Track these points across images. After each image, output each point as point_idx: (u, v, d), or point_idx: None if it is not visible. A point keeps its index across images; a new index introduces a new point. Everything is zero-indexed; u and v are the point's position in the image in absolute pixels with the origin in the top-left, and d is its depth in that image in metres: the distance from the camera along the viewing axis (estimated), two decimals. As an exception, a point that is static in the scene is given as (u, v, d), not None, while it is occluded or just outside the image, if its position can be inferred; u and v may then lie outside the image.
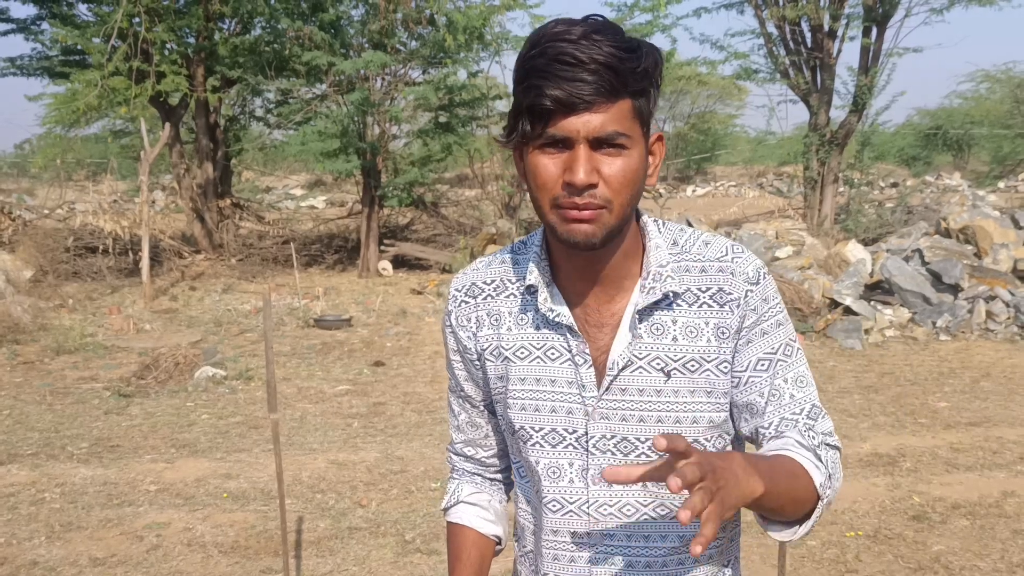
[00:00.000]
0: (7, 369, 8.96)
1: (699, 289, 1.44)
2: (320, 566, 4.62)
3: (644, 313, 1.43)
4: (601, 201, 1.31)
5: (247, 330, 10.90)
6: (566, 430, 1.47)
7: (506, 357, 1.51)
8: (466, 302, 1.57)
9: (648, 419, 1.44)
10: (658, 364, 1.42)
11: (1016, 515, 5.17)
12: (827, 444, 1.43)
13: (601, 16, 1.33)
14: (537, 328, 1.49)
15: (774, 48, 17.54)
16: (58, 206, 19.06)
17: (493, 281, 1.55)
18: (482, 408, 1.65)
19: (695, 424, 1.44)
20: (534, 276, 1.47)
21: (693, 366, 1.42)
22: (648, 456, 1.44)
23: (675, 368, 1.42)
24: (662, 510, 1.48)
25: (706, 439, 1.46)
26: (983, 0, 16.30)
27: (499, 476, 1.73)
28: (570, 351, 1.46)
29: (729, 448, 1.51)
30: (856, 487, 5.66)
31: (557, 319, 1.45)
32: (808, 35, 17.16)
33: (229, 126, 18.04)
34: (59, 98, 16.57)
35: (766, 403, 1.44)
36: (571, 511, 1.50)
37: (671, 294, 1.42)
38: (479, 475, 1.73)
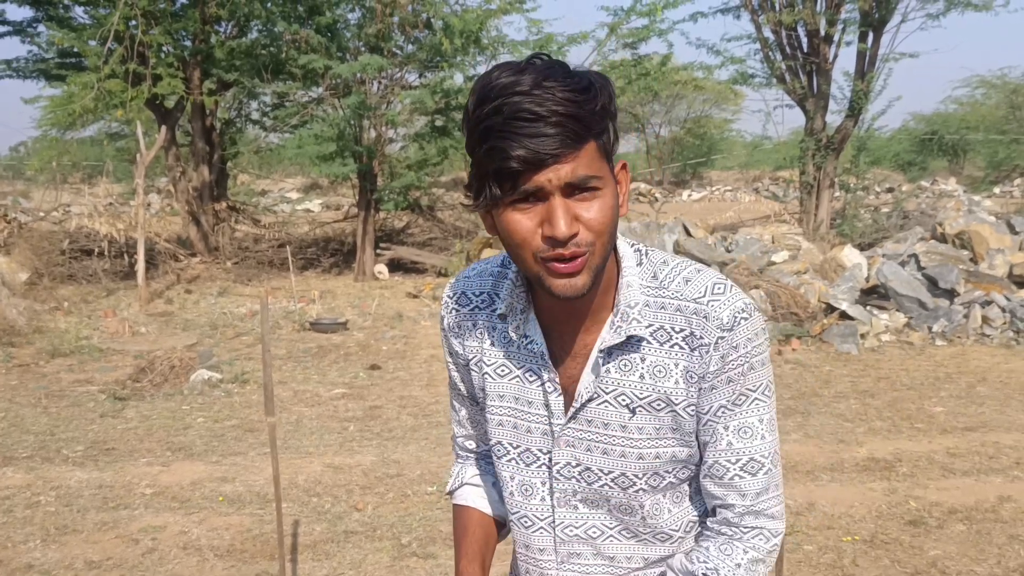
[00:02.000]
0: (2, 372, 8.94)
1: (672, 328, 1.42)
2: (316, 570, 4.61)
3: (611, 350, 1.44)
4: (585, 247, 1.31)
5: (243, 333, 10.89)
6: (539, 450, 1.51)
7: (486, 372, 1.54)
8: (456, 310, 1.59)
9: (612, 451, 1.46)
10: (623, 400, 1.43)
11: (1012, 520, 5.17)
12: (743, 519, 1.47)
13: (543, 55, 1.30)
14: (517, 349, 1.51)
15: (770, 53, 17.56)
16: (54, 209, 19.03)
17: (482, 294, 1.57)
18: (478, 408, 1.66)
19: (657, 459, 1.46)
20: (506, 304, 1.48)
21: (659, 405, 1.43)
22: (610, 487, 1.48)
23: (640, 405, 1.43)
24: (627, 534, 1.52)
25: (667, 471, 1.48)
26: (979, 6, 16.33)
27: None
28: (542, 375, 1.48)
29: (694, 475, 1.53)
30: (852, 492, 5.66)
31: (530, 346, 1.48)
32: (804, 40, 17.17)
33: (225, 129, 18.03)
34: (55, 100, 16.55)
35: (709, 447, 1.46)
36: (541, 528, 1.55)
37: (638, 337, 1.42)
38: (483, 459, 1.75)
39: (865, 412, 7.50)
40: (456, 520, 1.71)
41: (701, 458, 1.49)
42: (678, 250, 11.97)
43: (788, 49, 17.33)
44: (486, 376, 1.54)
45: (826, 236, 16.23)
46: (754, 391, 1.44)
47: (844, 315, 10.27)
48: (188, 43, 16.15)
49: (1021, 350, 9.67)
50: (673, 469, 1.48)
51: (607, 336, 1.42)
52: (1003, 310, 10.36)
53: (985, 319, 10.29)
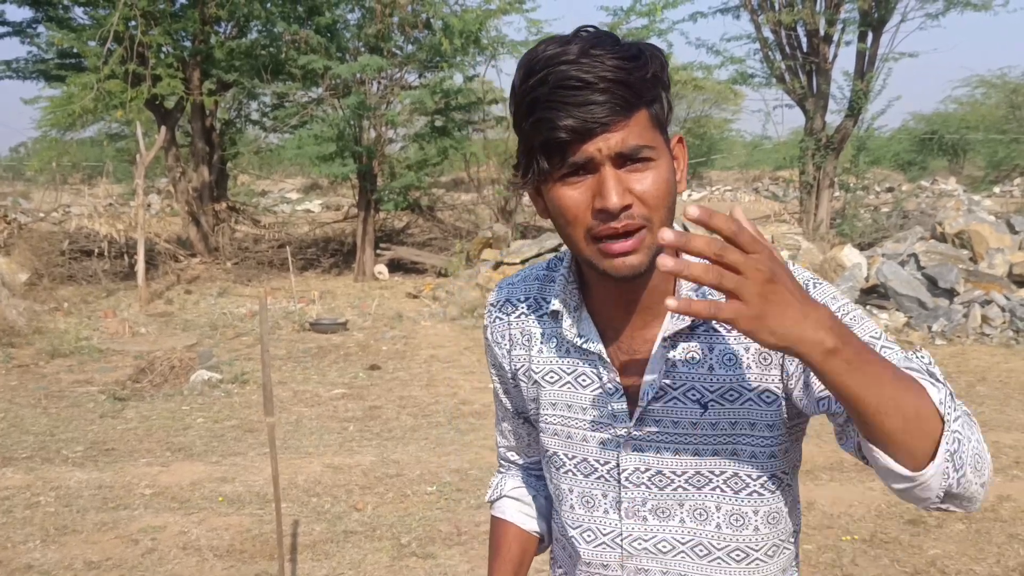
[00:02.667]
0: (2, 372, 8.94)
1: None
2: (316, 570, 4.61)
3: (676, 340, 1.32)
4: (641, 220, 1.20)
5: (242, 334, 10.89)
6: (598, 461, 1.40)
7: (536, 380, 1.45)
8: (500, 318, 1.51)
9: (684, 451, 1.34)
10: (694, 395, 1.31)
11: (1012, 519, 5.17)
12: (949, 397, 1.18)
13: (591, 27, 1.23)
14: (567, 353, 1.41)
15: (770, 53, 17.57)
16: (54, 209, 19.05)
17: (528, 298, 1.48)
18: (522, 420, 1.60)
19: (735, 456, 1.32)
20: (558, 301, 1.38)
21: (732, 396, 1.30)
22: (684, 489, 1.35)
23: (712, 399, 1.31)
24: (701, 550, 1.37)
25: (748, 474, 1.33)
26: (978, 5, 16.33)
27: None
28: (600, 380, 1.37)
29: (784, 486, 1.39)
30: (852, 491, 5.66)
31: (586, 346, 1.36)
32: (804, 40, 17.18)
33: (225, 129, 18.04)
34: (55, 101, 16.57)
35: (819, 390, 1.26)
36: (604, 543, 1.43)
37: (702, 322, 1.30)
38: (527, 472, 1.69)
39: (865, 412, 7.50)
40: (492, 534, 1.65)
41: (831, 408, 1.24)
42: (678, 250, 11.97)
43: (788, 49, 17.33)
44: (537, 384, 1.44)
45: (826, 236, 16.23)
46: (857, 315, 1.26)
47: (844, 315, 10.26)
48: (188, 43, 16.16)
49: (1020, 349, 9.67)
50: (755, 471, 1.33)
51: (669, 324, 1.31)
52: (1003, 309, 10.36)
53: (985, 318, 10.29)
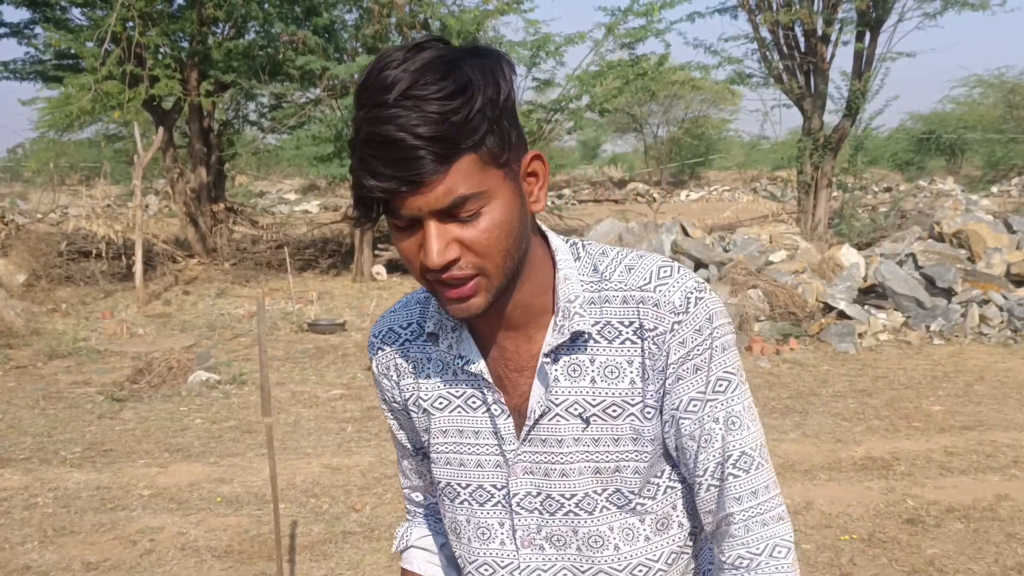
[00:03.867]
0: None
1: (620, 323, 1.26)
2: (314, 570, 4.61)
3: (557, 354, 1.27)
4: (472, 270, 1.16)
5: (240, 334, 10.88)
6: (493, 486, 1.34)
7: (425, 408, 1.38)
8: (382, 349, 1.44)
9: (570, 472, 1.29)
10: (576, 410, 1.27)
11: (1010, 518, 5.17)
12: (757, 537, 1.28)
13: (435, 45, 1.14)
14: (455, 375, 1.34)
15: (768, 53, 17.59)
16: (51, 210, 19.03)
17: (410, 324, 1.41)
18: (421, 457, 1.51)
19: (618, 473, 1.28)
20: (433, 323, 1.34)
21: (615, 411, 1.27)
22: (576, 514, 1.30)
23: (594, 414, 1.27)
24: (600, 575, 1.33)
25: (631, 491, 1.29)
26: (975, 5, 16.36)
27: None
28: (486, 402, 1.32)
29: (665, 488, 1.35)
30: (850, 491, 5.66)
31: (467, 368, 1.31)
32: (802, 40, 17.20)
33: (223, 130, 18.04)
34: (53, 102, 16.57)
35: (697, 448, 1.28)
36: (504, 574, 1.36)
37: (584, 333, 1.26)
38: (431, 517, 1.60)
39: (863, 411, 7.50)
40: None
41: (686, 469, 1.31)
42: (676, 250, 11.98)
43: (785, 49, 17.36)
44: (426, 412, 1.38)
45: (824, 236, 16.24)
46: (730, 375, 1.28)
47: (842, 314, 10.28)
48: (185, 44, 16.16)
49: (1018, 349, 9.67)
50: (638, 487, 1.30)
51: (551, 338, 1.27)
52: (1001, 309, 10.37)
53: (983, 318, 10.30)
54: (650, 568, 1.33)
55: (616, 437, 1.27)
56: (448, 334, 1.33)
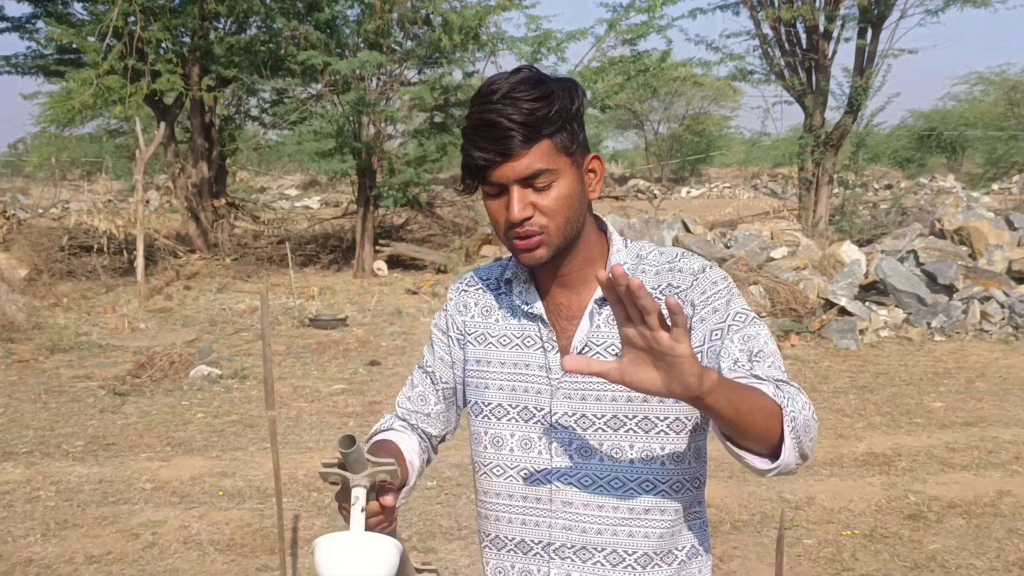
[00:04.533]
0: (1, 368, 8.94)
1: (652, 287, 1.61)
2: (316, 564, 4.61)
3: (603, 304, 1.61)
4: (538, 228, 1.55)
5: (242, 329, 10.89)
6: (536, 408, 1.65)
7: (490, 343, 1.72)
8: (465, 291, 1.80)
9: (604, 398, 1.60)
10: (612, 350, 1.60)
11: (1011, 514, 5.18)
12: (780, 381, 1.50)
13: (530, 68, 1.55)
14: (519, 319, 1.70)
15: (769, 49, 17.57)
16: (53, 205, 19.04)
17: (489, 279, 1.78)
18: (439, 389, 1.80)
19: (646, 401, 1.59)
20: (511, 272, 1.72)
21: None
22: (603, 431, 1.60)
23: None
24: (616, 483, 1.62)
25: (656, 417, 1.60)
26: (978, 2, 16.33)
27: (428, 439, 1.84)
28: (541, 337, 1.66)
29: (686, 430, 1.63)
30: (852, 486, 5.67)
31: (530, 310, 1.67)
32: (803, 36, 17.18)
33: (224, 125, 18.02)
34: (54, 97, 16.53)
35: (719, 361, 1.55)
36: (537, 479, 1.66)
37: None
38: (414, 425, 1.84)
39: (864, 407, 7.51)
40: (375, 446, 1.67)
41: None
42: (677, 245, 11.98)
43: (787, 45, 17.33)
44: (489, 346, 1.72)
45: (825, 232, 16.24)
46: (745, 312, 1.59)
47: (843, 311, 10.28)
48: (187, 39, 16.14)
49: (1019, 345, 9.68)
50: (663, 416, 1.60)
51: (599, 292, 1.61)
52: (1002, 306, 10.37)
53: (984, 315, 10.30)
54: (656, 486, 1.63)
55: None
56: (520, 283, 1.70)
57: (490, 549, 1.77)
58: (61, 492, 5.62)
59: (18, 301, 10.96)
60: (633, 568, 1.64)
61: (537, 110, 1.50)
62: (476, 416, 1.75)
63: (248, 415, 7.38)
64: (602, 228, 1.70)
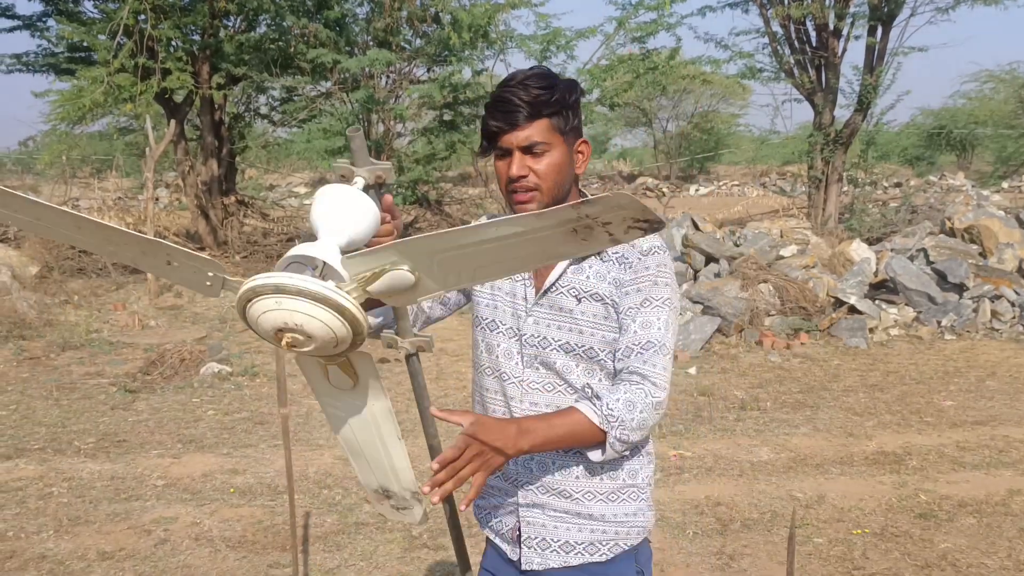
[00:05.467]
0: (13, 364, 8.97)
1: (613, 252, 2.07)
2: (327, 561, 4.63)
3: (578, 261, 2.08)
4: (532, 185, 2.02)
5: (252, 327, 10.89)
6: (513, 327, 2.15)
7: None
8: None
9: (562, 327, 2.08)
10: (573, 292, 2.08)
11: (1022, 513, 5.17)
12: (634, 375, 1.99)
13: (542, 68, 2.06)
14: None
15: (779, 47, 17.54)
16: (63, 203, 19.08)
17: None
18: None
19: (592, 335, 2.06)
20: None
21: (596, 298, 2.06)
22: (557, 351, 2.09)
23: (584, 296, 2.06)
24: (568, 390, 2.10)
25: (599, 349, 2.07)
26: (988, 0, 16.28)
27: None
28: (523, 276, 2.14)
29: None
30: (862, 485, 5.67)
31: None
32: (813, 34, 17.15)
33: (234, 123, 18.03)
34: (64, 95, 16.55)
35: (622, 336, 2.04)
36: (512, 381, 2.15)
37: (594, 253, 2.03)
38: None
39: (874, 406, 7.50)
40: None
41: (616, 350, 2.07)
42: (687, 244, 11.96)
43: (797, 43, 17.31)
44: None
45: (834, 231, 16.21)
46: (658, 300, 2.03)
47: (853, 309, 10.26)
48: (197, 37, 16.15)
49: (1030, 344, 9.65)
50: (603, 349, 2.07)
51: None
52: (1012, 304, 10.34)
53: (994, 313, 10.27)
54: (594, 391, 2.07)
55: (594, 314, 2.06)
56: None
57: None
58: (73, 489, 5.64)
59: (29, 298, 11.00)
60: (581, 455, 2.08)
61: (541, 95, 1.97)
62: (476, 327, 2.25)
63: (259, 412, 7.40)
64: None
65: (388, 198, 1.90)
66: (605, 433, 1.94)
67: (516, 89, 1.98)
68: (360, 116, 15.43)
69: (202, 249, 16.09)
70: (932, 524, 5.05)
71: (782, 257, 12.19)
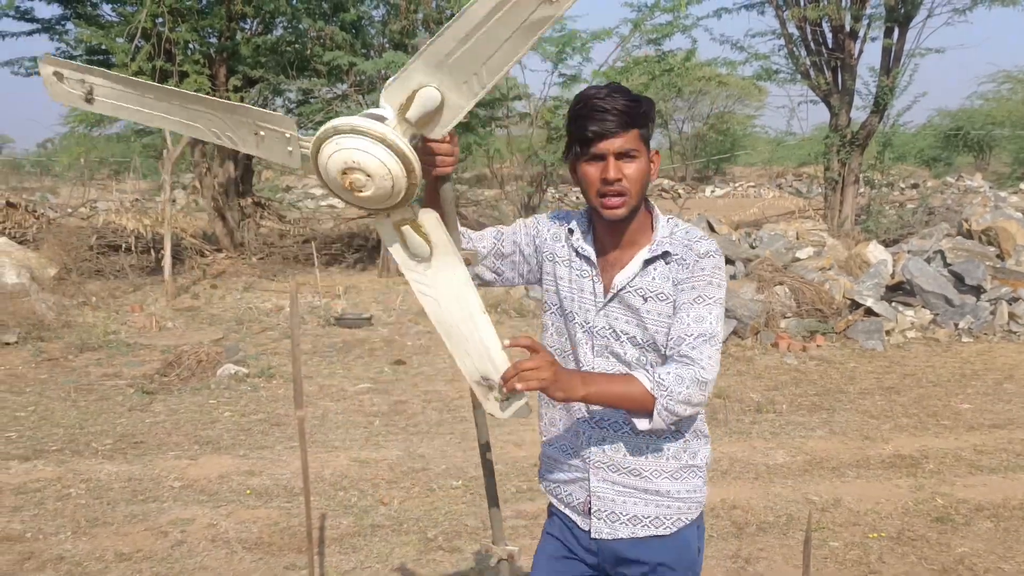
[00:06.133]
0: (32, 366, 9.03)
1: (675, 255, 2.29)
2: (343, 563, 4.64)
3: (647, 262, 2.30)
4: (623, 189, 2.22)
5: (268, 328, 10.95)
6: (584, 320, 2.36)
7: (557, 263, 2.42)
8: (555, 221, 2.48)
9: (631, 322, 2.31)
10: (640, 292, 2.30)
11: (1040, 517, 5.15)
12: (684, 358, 2.19)
13: (618, 84, 2.26)
14: (576, 257, 2.40)
15: (795, 49, 17.48)
16: (81, 204, 19.20)
17: (561, 221, 2.47)
18: (515, 249, 2.48)
19: (657, 331, 2.28)
20: (574, 223, 2.42)
21: (661, 297, 2.28)
22: (625, 343, 2.32)
23: (650, 296, 2.29)
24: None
25: (663, 344, 2.27)
26: (1006, 1, 16.18)
27: (490, 251, 2.49)
28: (591, 273, 2.36)
29: None
30: (879, 488, 5.65)
31: (584, 253, 2.37)
32: (829, 36, 17.09)
33: (250, 125, 18.07)
34: (83, 97, 16.66)
35: (675, 327, 2.25)
36: (587, 368, 2.34)
37: (665, 252, 2.30)
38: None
39: (891, 409, 7.47)
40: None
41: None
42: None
43: (813, 45, 17.25)
44: (556, 263, 2.42)
45: (851, 232, 16.15)
46: (709, 299, 2.25)
47: (869, 311, 10.23)
48: (214, 40, 16.23)
49: (1049, 347, 9.60)
50: (664, 342, 2.27)
51: (647, 253, 2.31)
52: (1030, 307, 10.28)
53: (1012, 316, 10.22)
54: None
55: (659, 312, 2.28)
56: (579, 232, 2.40)
57: (547, 406, 2.49)
58: (91, 490, 5.68)
59: (48, 300, 11.07)
60: (649, 436, 2.32)
61: (631, 107, 2.18)
62: (546, 312, 2.47)
63: (275, 414, 7.43)
64: (648, 208, 2.37)
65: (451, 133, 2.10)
66: (655, 401, 2.13)
67: (609, 100, 2.17)
68: (376, 118, 15.43)
69: (219, 251, 16.17)
70: (949, 528, 5.03)
71: (798, 259, 12.16)
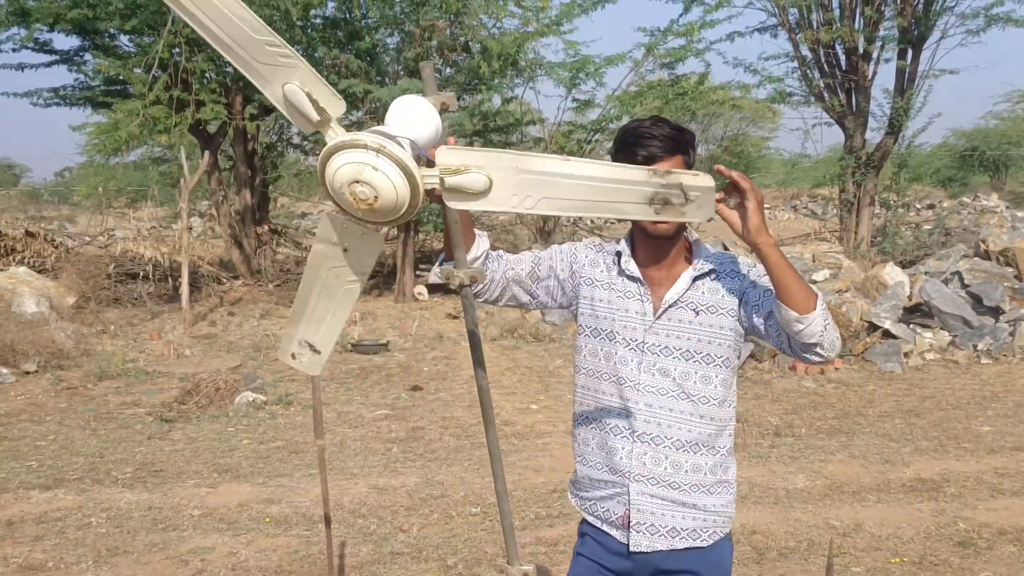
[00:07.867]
0: (52, 394, 9.09)
1: (722, 271, 2.46)
2: (363, 591, 4.64)
3: (695, 279, 2.44)
4: None
5: (286, 355, 10.96)
6: (631, 339, 2.46)
7: (597, 286, 2.53)
8: (593, 248, 2.61)
9: (682, 336, 2.43)
10: (691, 306, 2.43)
11: (1064, 541, 5.10)
12: None
13: (658, 116, 2.43)
14: (623, 279, 2.51)
15: (808, 71, 17.50)
16: (99, 233, 19.33)
17: (608, 253, 2.58)
18: (549, 274, 2.57)
19: (709, 344, 2.43)
20: (621, 247, 2.54)
21: (712, 309, 2.42)
22: (677, 359, 2.42)
23: (701, 309, 2.42)
24: (683, 395, 2.43)
25: (714, 354, 2.43)
26: (1020, 21, 16.17)
27: (504, 273, 2.55)
28: (639, 293, 2.48)
29: (732, 366, 2.49)
30: (900, 512, 5.61)
31: (632, 274, 2.49)
32: (843, 58, 17.10)
33: (266, 153, 18.22)
34: (101, 127, 16.78)
35: (762, 303, 2.37)
36: (630, 385, 2.45)
37: (712, 270, 2.45)
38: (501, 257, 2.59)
39: (911, 432, 7.44)
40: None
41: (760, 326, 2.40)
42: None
43: (826, 67, 17.26)
44: (595, 287, 2.53)
45: (867, 254, 16.10)
46: (767, 284, 2.37)
47: (887, 334, 10.19)
48: (230, 69, 16.36)
49: (1069, 368, 9.53)
50: (718, 353, 2.43)
51: (692, 272, 2.44)
52: (1050, 328, 10.22)
53: (1031, 337, 10.16)
54: (708, 400, 2.45)
55: (711, 324, 2.42)
56: (626, 256, 2.51)
57: (582, 426, 2.59)
58: (111, 519, 5.70)
59: (67, 328, 11.15)
60: (688, 451, 2.43)
61: (676, 135, 2.37)
62: (582, 335, 2.56)
63: (293, 441, 7.44)
64: (685, 232, 2.50)
65: (450, 139, 2.08)
66: (816, 299, 2.23)
67: (656, 128, 2.35)
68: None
69: (236, 278, 16.25)
70: (971, 552, 5.00)
71: (815, 281, 12.13)
